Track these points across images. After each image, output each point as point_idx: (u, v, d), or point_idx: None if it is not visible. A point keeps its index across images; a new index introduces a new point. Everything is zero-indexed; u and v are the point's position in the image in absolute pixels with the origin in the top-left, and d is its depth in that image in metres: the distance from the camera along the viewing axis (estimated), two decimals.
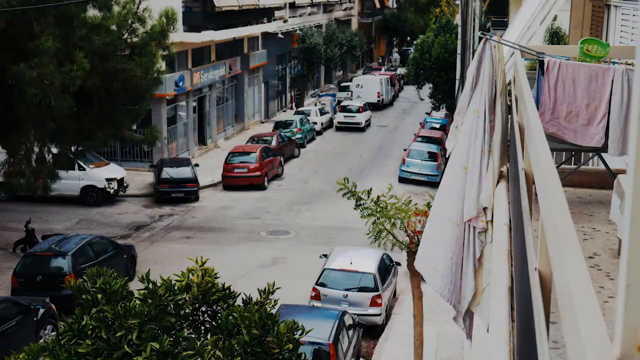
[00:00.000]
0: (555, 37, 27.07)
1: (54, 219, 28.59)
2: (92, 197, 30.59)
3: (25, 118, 21.42)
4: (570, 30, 19.76)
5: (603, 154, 8.99)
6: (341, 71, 64.03)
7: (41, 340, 9.37)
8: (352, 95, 56.11)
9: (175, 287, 9.14)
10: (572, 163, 11.73)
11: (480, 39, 7.84)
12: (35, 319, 18.12)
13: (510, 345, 4.35)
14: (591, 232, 7.72)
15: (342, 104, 50.58)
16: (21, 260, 21.10)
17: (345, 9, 72.42)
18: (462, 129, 7.52)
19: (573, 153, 11.22)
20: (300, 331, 9.16)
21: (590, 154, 10.32)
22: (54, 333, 17.75)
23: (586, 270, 1.84)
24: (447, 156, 9.56)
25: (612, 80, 8.27)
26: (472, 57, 8.43)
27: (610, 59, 8.70)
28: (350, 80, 61.81)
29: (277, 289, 9.58)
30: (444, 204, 7.60)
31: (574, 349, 1.63)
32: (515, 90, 7.80)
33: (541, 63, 8.52)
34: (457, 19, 40.14)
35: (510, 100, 7.93)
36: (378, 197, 15.79)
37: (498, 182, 7.32)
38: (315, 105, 52.12)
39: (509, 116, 7.66)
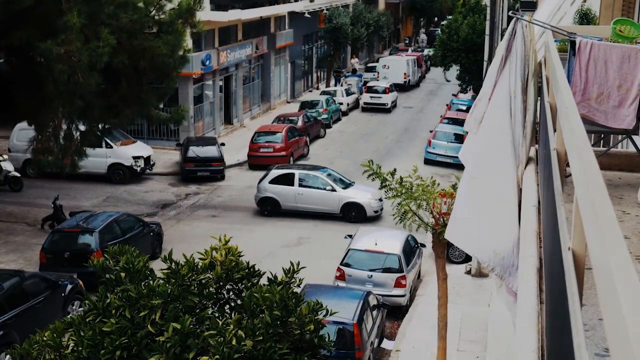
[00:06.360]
0: (585, 18, 26.70)
1: (81, 196, 28.83)
2: (119, 174, 30.81)
3: (54, 95, 21.54)
4: (600, 11, 19.48)
5: (634, 137, 8.87)
6: (356, 58, 62.66)
7: (68, 316, 9.47)
8: (378, 76, 55.86)
9: (199, 266, 9.18)
10: (601, 145, 11.60)
11: (510, 18, 7.74)
12: (62, 294, 18.33)
13: (539, 326, 4.32)
14: (621, 215, 7.63)
15: (369, 84, 50.38)
16: (49, 237, 21.31)
17: None
18: (494, 104, 7.39)
19: (602, 135, 11.09)
20: (323, 312, 9.17)
21: (620, 137, 10.18)
22: (81, 309, 17.96)
23: (625, 247, 1.81)
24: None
25: None
26: (501, 38, 8.31)
27: None
28: (377, 61, 61.49)
29: (301, 268, 9.58)
30: (495, 181, 7.37)
31: (614, 327, 1.60)
32: (546, 70, 7.70)
33: (572, 44, 8.40)
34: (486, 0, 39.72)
35: (541, 81, 7.83)
36: (402, 178, 15.73)
37: (526, 164, 7.25)
38: (342, 85, 51.89)
39: (539, 97, 7.56)
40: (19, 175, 28.99)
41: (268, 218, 27.46)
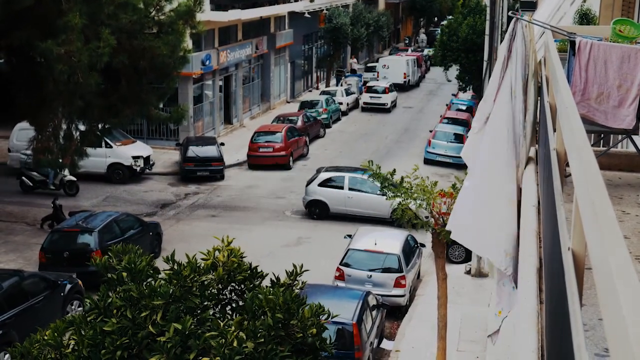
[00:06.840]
0: (584, 18, 26.72)
1: (81, 196, 28.80)
2: (119, 174, 30.81)
3: (54, 95, 21.54)
4: (600, 11, 19.50)
5: (634, 137, 8.88)
6: (355, 59, 62.49)
7: (68, 315, 9.46)
8: (378, 76, 55.86)
9: (201, 267, 9.15)
10: (601, 145, 11.60)
11: (510, 18, 7.75)
12: (62, 294, 18.33)
13: (539, 326, 4.32)
14: (621, 215, 7.63)
15: (368, 84, 50.41)
16: (49, 236, 21.31)
17: None
18: (499, 102, 7.38)
19: (602, 135, 11.09)
20: (325, 315, 9.14)
21: (620, 136, 10.19)
22: (80, 308, 17.97)
23: (625, 247, 1.81)
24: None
25: None
26: (501, 38, 8.32)
27: None
28: (377, 61, 61.45)
29: (304, 271, 9.55)
30: (501, 181, 7.37)
31: (614, 327, 1.60)
32: (545, 70, 7.70)
33: (572, 44, 8.40)
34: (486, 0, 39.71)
35: (540, 82, 7.83)
36: (402, 178, 15.73)
37: (526, 164, 7.25)
38: (341, 85, 51.84)
39: (539, 97, 7.56)
40: (74, 179, 28.35)
41: (267, 218, 27.46)
